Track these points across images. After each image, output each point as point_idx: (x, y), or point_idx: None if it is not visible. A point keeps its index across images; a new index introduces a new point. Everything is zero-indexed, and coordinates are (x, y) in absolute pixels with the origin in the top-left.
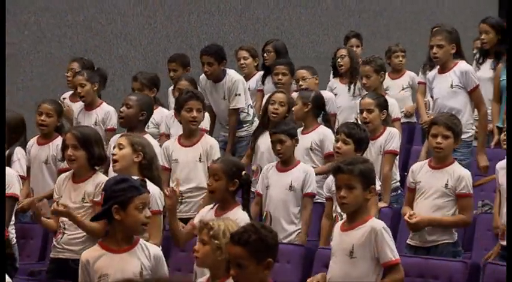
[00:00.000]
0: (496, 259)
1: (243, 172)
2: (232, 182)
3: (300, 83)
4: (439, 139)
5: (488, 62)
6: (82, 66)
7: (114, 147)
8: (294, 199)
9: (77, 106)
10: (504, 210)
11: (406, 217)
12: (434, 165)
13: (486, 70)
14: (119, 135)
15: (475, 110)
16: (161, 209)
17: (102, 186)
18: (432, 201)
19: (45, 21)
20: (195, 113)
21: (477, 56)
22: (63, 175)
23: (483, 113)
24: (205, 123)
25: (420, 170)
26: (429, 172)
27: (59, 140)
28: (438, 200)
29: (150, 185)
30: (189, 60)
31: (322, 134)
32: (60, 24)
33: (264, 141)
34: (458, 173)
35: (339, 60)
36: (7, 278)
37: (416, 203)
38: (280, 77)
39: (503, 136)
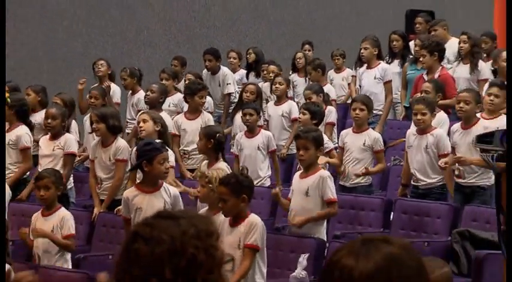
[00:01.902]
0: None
1: (217, 134)
2: (209, 141)
3: (270, 74)
4: (357, 111)
5: (396, 61)
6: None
7: (139, 122)
8: (262, 156)
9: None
10: (416, 158)
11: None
12: (356, 130)
13: (395, 66)
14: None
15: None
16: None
17: (122, 148)
18: (355, 156)
19: (92, 32)
20: (204, 99)
21: (387, 57)
22: (95, 141)
23: (389, 99)
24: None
25: (346, 135)
26: (352, 135)
27: None
28: (358, 155)
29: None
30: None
31: (289, 106)
32: (103, 34)
33: (239, 117)
34: (373, 136)
35: (297, 60)
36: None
37: (345, 158)
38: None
39: None
